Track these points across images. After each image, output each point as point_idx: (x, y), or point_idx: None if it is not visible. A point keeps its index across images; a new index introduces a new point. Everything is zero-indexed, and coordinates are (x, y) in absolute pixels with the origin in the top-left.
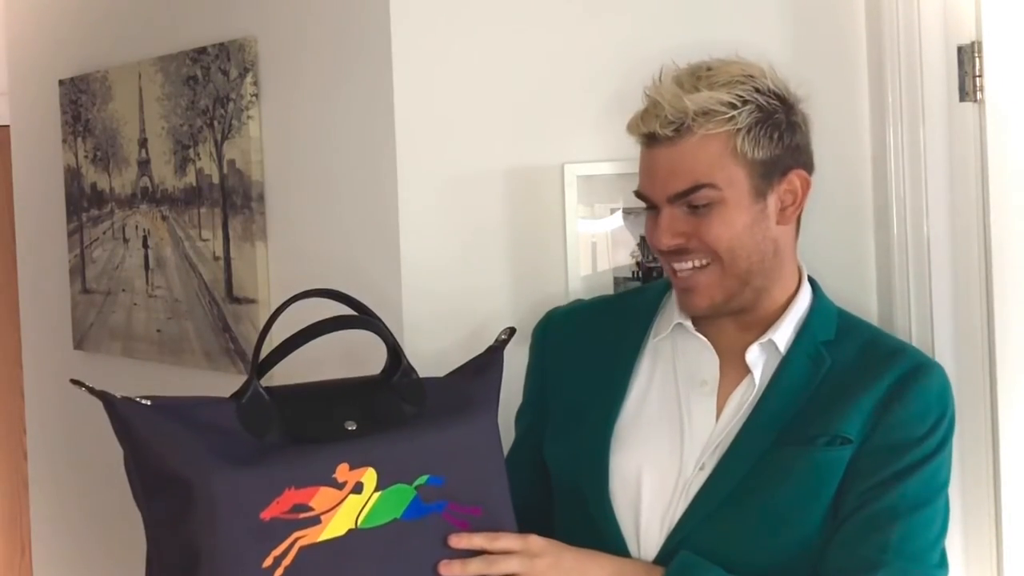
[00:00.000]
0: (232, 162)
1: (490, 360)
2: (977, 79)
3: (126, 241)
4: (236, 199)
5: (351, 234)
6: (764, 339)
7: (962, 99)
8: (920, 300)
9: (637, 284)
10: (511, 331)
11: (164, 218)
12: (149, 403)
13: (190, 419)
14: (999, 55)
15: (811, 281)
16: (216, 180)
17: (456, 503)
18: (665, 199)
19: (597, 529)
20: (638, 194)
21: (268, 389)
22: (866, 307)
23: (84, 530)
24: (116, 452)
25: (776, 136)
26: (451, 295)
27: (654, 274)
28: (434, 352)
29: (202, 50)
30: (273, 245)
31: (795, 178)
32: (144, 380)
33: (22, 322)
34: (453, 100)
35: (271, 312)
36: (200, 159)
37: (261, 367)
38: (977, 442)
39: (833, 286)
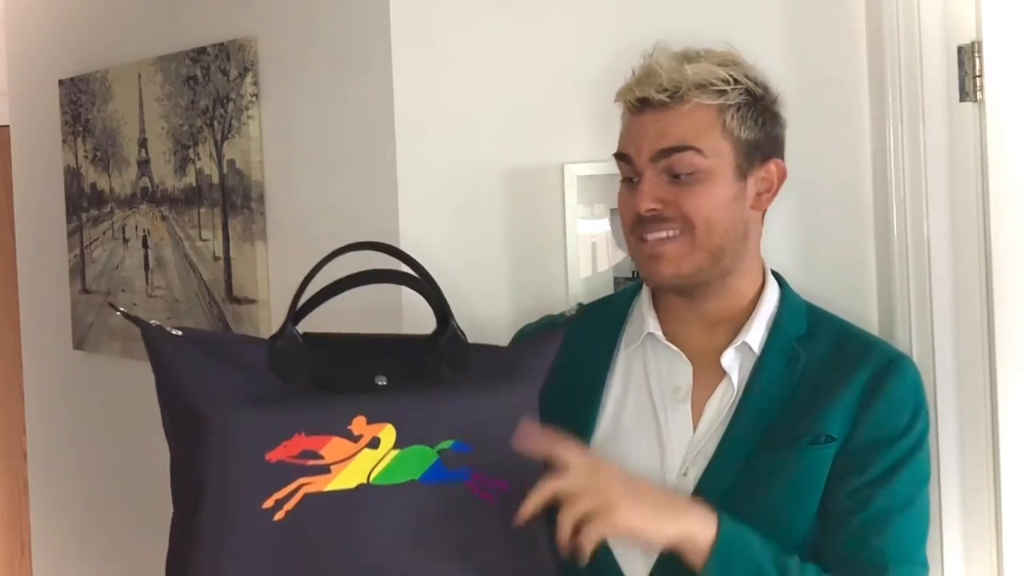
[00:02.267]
0: (232, 162)
1: (549, 337)
2: (977, 79)
3: (126, 241)
4: (236, 199)
5: (351, 234)
6: (738, 342)
7: (962, 99)
8: (920, 300)
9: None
10: (580, 306)
11: (164, 218)
12: (180, 332)
13: (219, 354)
14: (999, 55)
15: (777, 276)
16: (216, 180)
17: (482, 473)
18: (649, 158)
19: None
20: (619, 157)
21: (306, 335)
22: (866, 307)
23: (84, 530)
24: (116, 452)
25: (761, 121)
26: (451, 295)
27: None
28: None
29: (202, 50)
30: (273, 245)
31: (773, 166)
32: (144, 380)
33: (22, 322)
34: (453, 100)
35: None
36: (200, 159)
37: (299, 313)
38: (977, 442)
39: (833, 286)
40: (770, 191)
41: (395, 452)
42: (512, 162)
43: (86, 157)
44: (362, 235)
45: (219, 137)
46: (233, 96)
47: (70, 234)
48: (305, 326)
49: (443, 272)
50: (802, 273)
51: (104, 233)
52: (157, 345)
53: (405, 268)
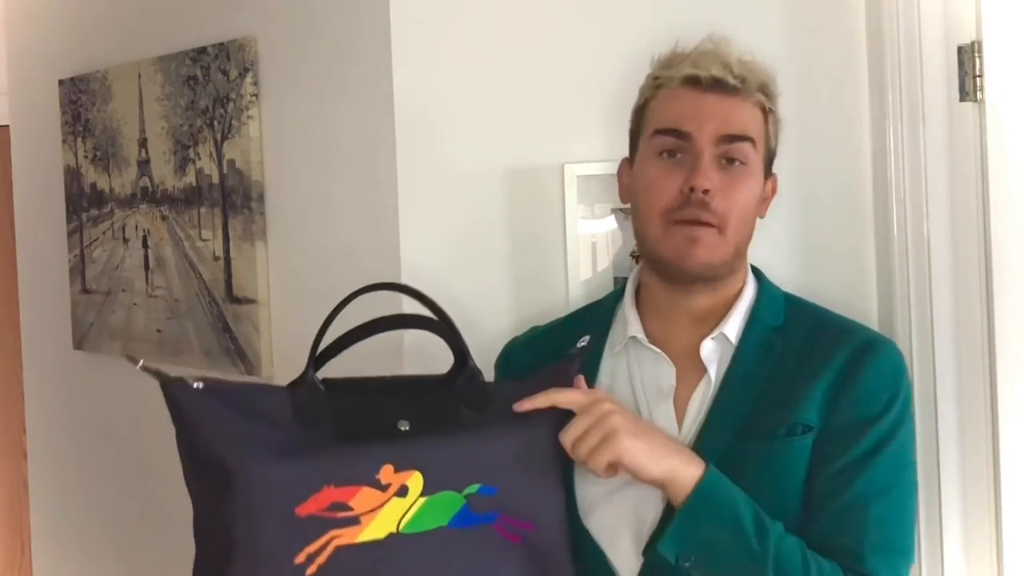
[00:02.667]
0: (232, 162)
1: (562, 368)
2: (977, 79)
3: (126, 241)
4: (236, 199)
5: (351, 234)
6: (715, 333)
7: (962, 99)
8: (920, 300)
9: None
10: (589, 340)
11: (164, 218)
12: (201, 386)
13: (241, 405)
14: (999, 55)
15: (756, 271)
16: (216, 180)
17: (508, 516)
18: (713, 140)
19: (575, 550)
20: (670, 131)
21: (326, 381)
22: (866, 307)
23: (84, 530)
24: (115, 452)
25: (777, 135)
26: (451, 295)
27: None
28: (434, 351)
29: (202, 50)
30: (273, 245)
31: (773, 179)
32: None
33: (22, 322)
34: (453, 100)
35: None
36: (200, 159)
37: (320, 359)
38: (977, 442)
39: (833, 286)
40: (767, 201)
41: (423, 500)
42: (512, 162)
43: (86, 157)
44: (362, 235)
45: (219, 137)
46: (233, 96)
47: (70, 234)
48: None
49: (443, 272)
50: (802, 273)
51: (104, 233)
52: (178, 399)
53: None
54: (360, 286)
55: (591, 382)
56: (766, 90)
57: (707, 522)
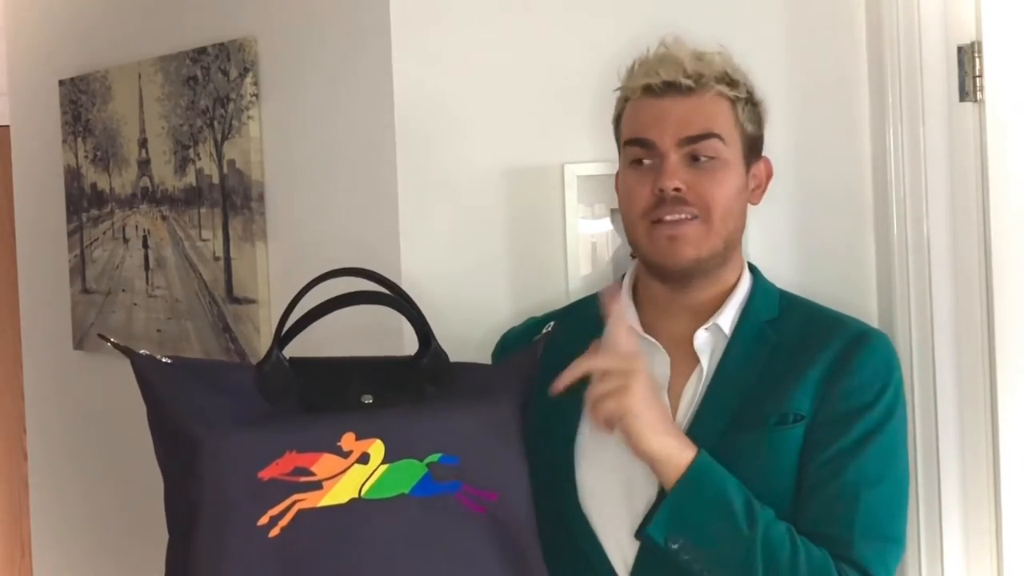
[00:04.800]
0: (232, 162)
1: (525, 353)
2: (977, 79)
3: (126, 241)
4: (236, 199)
5: (351, 234)
6: (709, 323)
7: (962, 99)
8: (920, 300)
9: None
10: (553, 325)
11: (164, 218)
12: (169, 360)
13: (207, 379)
14: (999, 55)
15: (752, 267)
16: (216, 180)
17: (471, 485)
18: (675, 143)
19: (575, 543)
20: (636, 142)
21: (293, 359)
22: (866, 307)
23: (84, 530)
24: (115, 452)
25: (757, 119)
26: (451, 295)
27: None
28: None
29: (202, 50)
30: (273, 245)
31: (763, 164)
32: None
33: (22, 322)
34: (453, 100)
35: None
36: (200, 159)
37: (285, 337)
38: (977, 442)
39: (833, 286)
40: (760, 187)
41: (384, 466)
42: (512, 162)
43: (86, 157)
44: (362, 235)
45: (219, 137)
46: (233, 96)
47: (70, 234)
48: (303, 345)
49: (443, 272)
50: (802, 272)
51: (104, 233)
52: (146, 374)
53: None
54: (359, 285)
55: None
56: (727, 79)
57: (696, 505)
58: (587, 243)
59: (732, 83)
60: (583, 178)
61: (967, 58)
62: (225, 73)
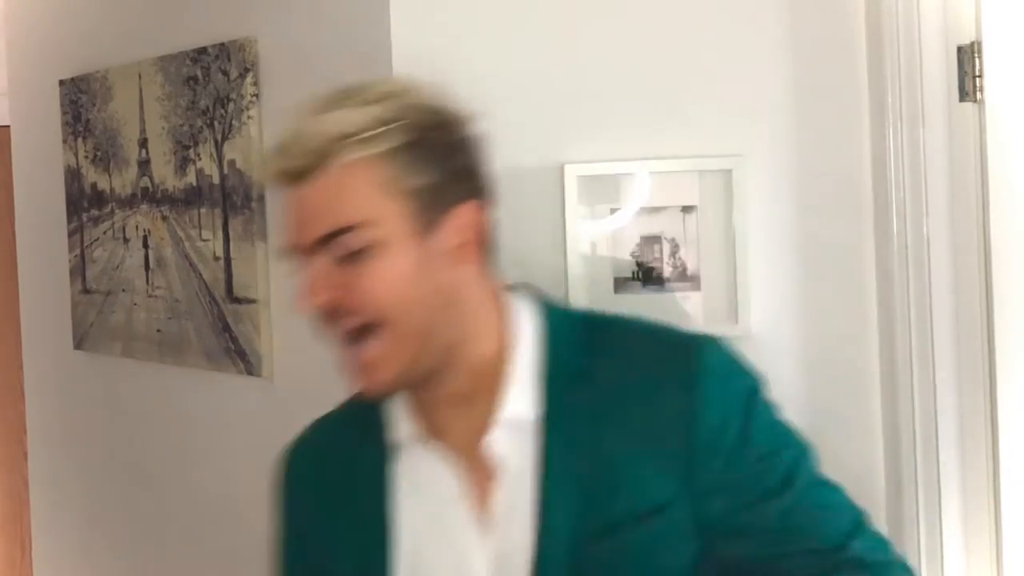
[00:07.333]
0: (232, 162)
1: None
2: (977, 79)
3: (126, 241)
4: (236, 199)
5: None
6: (501, 421)
7: (962, 99)
8: (920, 300)
9: (637, 284)
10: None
11: (164, 218)
12: None
13: None
14: (999, 55)
15: (529, 297)
16: (216, 180)
17: None
18: (307, 248)
19: None
20: (288, 251)
21: None
22: (866, 307)
23: (84, 530)
24: (115, 452)
25: (433, 160)
26: None
27: (654, 274)
28: None
29: (202, 50)
30: (273, 245)
31: (465, 212)
32: (144, 380)
33: (22, 322)
34: (453, 100)
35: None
36: (200, 159)
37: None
38: (977, 442)
39: (832, 286)
40: (476, 239)
41: None
42: (512, 162)
43: (86, 157)
44: None
45: (219, 137)
46: (233, 96)
47: (70, 234)
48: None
49: None
50: (801, 273)
51: (104, 233)
52: None
53: None
54: None
55: (381, 500)
56: (357, 137)
57: None
58: (587, 243)
59: (361, 140)
60: (583, 178)
61: (967, 58)
62: (225, 73)
